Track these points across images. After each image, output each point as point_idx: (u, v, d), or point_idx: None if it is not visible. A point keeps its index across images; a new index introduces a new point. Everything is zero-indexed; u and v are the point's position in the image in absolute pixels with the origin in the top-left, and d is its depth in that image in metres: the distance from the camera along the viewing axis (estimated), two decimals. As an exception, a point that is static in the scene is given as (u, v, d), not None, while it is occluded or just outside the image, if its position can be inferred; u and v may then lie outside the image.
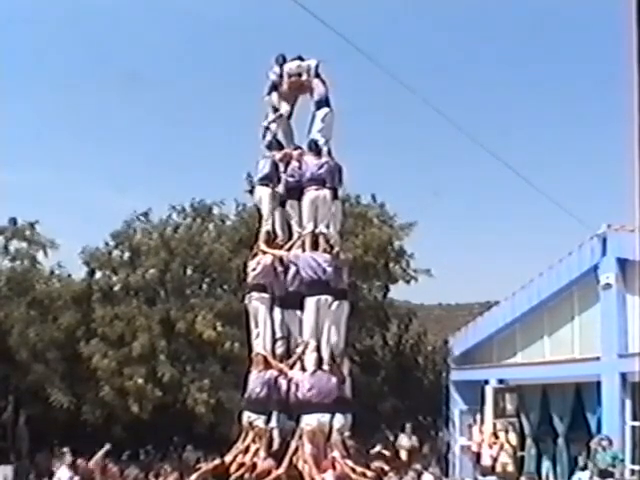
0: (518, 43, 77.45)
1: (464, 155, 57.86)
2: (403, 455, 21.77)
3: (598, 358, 19.22)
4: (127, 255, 24.95)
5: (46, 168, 67.68)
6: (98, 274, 24.94)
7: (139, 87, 71.95)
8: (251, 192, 14.10)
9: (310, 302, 12.69)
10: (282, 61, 14.35)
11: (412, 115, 63.28)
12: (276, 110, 14.16)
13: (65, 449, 19.00)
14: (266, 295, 13.18)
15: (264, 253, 13.36)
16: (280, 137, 14.09)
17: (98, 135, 67.46)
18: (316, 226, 13.12)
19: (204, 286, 25.46)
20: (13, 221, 24.58)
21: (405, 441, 22.68)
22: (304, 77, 14.15)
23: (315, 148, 13.49)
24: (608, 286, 19.14)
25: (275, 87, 14.28)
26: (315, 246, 13.08)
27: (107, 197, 63.98)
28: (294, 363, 12.63)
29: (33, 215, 24.93)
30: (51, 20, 66.08)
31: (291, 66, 14.29)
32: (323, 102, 13.80)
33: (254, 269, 13.39)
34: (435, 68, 75.96)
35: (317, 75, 14.11)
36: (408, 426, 23.14)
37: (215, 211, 25.54)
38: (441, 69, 76.43)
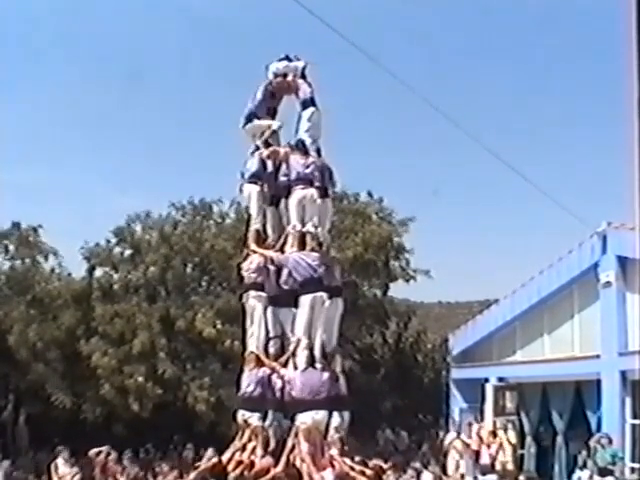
0: (518, 41, 77.47)
1: (464, 154, 57.77)
2: (455, 453, 21.66)
3: (598, 356, 19.21)
4: (128, 252, 24.98)
5: (46, 167, 67.84)
6: (98, 271, 24.99)
7: (139, 86, 72.03)
8: (241, 191, 14.03)
9: (305, 300, 12.61)
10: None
11: (412, 114, 63.27)
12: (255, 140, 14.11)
13: (63, 448, 19.07)
14: (262, 294, 13.14)
15: (255, 253, 13.34)
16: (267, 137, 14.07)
17: (98, 134, 67.52)
18: (304, 225, 13.09)
19: (204, 284, 25.48)
20: (17, 226, 24.57)
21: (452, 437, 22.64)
22: (290, 77, 14.15)
23: (302, 147, 13.46)
24: (608, 284, 19.13)
25: (254, 116, 14.21)
26: (303, 245, 13.05)
27: (107, 196, 64.04)
28: (287, 361, 12.60)
29: (33, 213, 25.10)
30: (51, 19, 66.17)
31: (278, 66, 14.29)
32: (309, 102, 13.76)
33: (248, 269, 13.37)
34: (434, 67, 75.96)
35: (303, 77, 14.12)
36: (457, 423, 23.02)
37: (215, 209, 25.61)
38: (440, 68, 76.44)
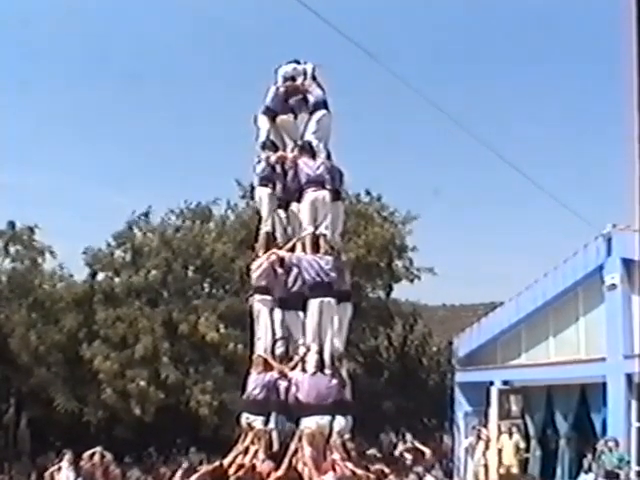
0: (521, 40, 77.40)
1: (467, 154, 57.74)
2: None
3: (603, 359, 19.11)
4: (129, 256, 24.92)
5: (46, 169, 67.96)
6: (100, 275, 24.93)
7: (139, 87, 72.19)
8: (244, 196, 13.96)
9: (314, 304, 12.55)
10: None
11: (415, 114, 63.29)
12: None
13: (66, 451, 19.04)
14: (268, 297, 13.08)
15: (264, 254, 13.24)
16: (273, 138, 14.00)
17: (97, 135, 67.70)
18: (316, 228, 12.99)
19: (206, 287, 25.42)
20: (12, 225, 24.52)
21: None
22: (299, 81, 14.09)
23: (309, 150, 13.38)
24: (613, 286, 19.03)
25: (272, 112, 14.16)
26: (316, 248, 12.95)
27: (107, 197, 64.18)
28: (295, 365, 12.54)
29: (33, 216, 25.05)
30: (51, 20, 66.28)
31: (287, 69, 14.25)
32: (320, 104, 13.69)
33: (254, 272, 13.29)
34: (436, 67, 75.99)
35: (314, 78, 14.05)
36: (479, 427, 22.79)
37: (215, 212, 25.60)
38: (442, 67, 76.41)
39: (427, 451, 19.78)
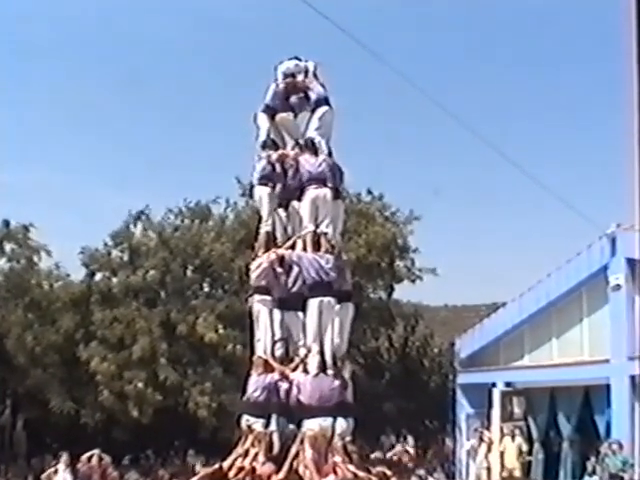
0: (525, 40, 77.41)
1: (470, 154, 57.60)
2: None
3: (607, 360, 19.00)
4: (127, 256, 24.79)
5: (44, 168, 67.85)
6: (97, 276, 24.79)
7: (139, 86, 72.19)
8: (244, 195, 13.78)
9: (313, 304, 12.42)
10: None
11: (417, 113, 63.09)
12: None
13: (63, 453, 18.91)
14: (268, 297, 12.92)
15: (264, 254, 13.05)
16: (273, 136, 13.83)
17: (97, 134, 67.67)
18: (317, 226, 12.84)
19: (205, 287, 25.28)
20: (6, 223, 24.36)
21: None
22: (299, 78, 13.93)
23: (312, 147, 13.24)
24: (618, 287, 18.92)
25: (272, 110, 14.00)
26: (317, 247, 12.79)
27: (105, 197, 64.07)
28: (296, 366, 12.37)
29: (31, 214, 24.94)
30: (50, 19, 66.27)
31: (288, 65, 14.11)
32: (322, 101, 13.58)
33: (255, 271, 13.11)
34: (437, 66, 75.97)
35: (315, 76, 13.92)
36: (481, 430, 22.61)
37: (214, 211, 25.46)
38: (444, 67, 76.40)
39: (412, 451, 19.89)
